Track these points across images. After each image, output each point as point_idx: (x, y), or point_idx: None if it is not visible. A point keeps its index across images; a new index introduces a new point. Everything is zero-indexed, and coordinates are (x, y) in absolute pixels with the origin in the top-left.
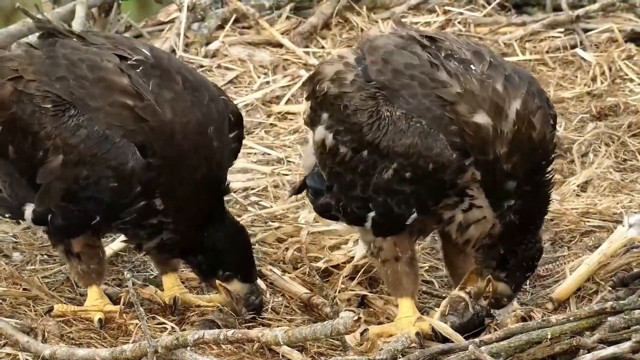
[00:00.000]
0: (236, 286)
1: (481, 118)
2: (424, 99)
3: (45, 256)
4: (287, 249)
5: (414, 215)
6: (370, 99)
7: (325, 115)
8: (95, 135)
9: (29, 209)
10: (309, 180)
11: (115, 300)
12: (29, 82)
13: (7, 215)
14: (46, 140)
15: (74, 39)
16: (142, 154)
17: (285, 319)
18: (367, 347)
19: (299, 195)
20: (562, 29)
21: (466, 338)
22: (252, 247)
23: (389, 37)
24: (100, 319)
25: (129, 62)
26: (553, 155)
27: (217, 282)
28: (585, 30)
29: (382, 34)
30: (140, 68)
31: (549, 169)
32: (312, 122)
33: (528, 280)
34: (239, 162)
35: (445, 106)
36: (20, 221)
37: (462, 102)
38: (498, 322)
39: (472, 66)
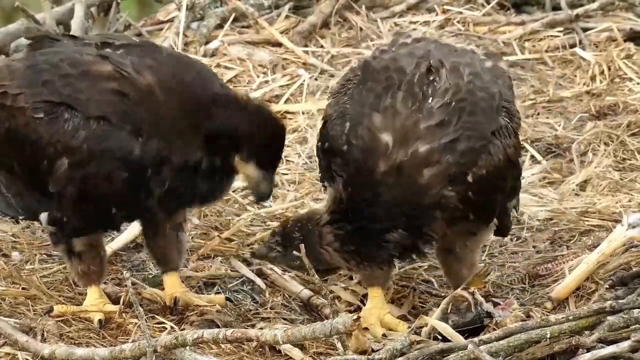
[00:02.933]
0: (251, 169)
1: (385, 137)
2: (372, 97)
3: (44, 255)
4: None
5: None
6: (347, 80)
7: None
8: (94, 131)
9: (44, 215)
10: None
11: (114, 300)
12: (16, 96)
13: (22, 218)
14: (48, 147)
15: (64, 40)
16: (138, 134)
17: (285, 318)
18: (356, 338)
19: (298, 195)
20: (561, 28)
21: (465, 337)
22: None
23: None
24: (100, 320)
25: (109, 47)
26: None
27: (237, 160)
28: (585, 30)
29: None
30: (122, 49)
31: None
32: None
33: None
34: None
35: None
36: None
37: (383, 116)
38: (497, 321)
39: (430, 99)
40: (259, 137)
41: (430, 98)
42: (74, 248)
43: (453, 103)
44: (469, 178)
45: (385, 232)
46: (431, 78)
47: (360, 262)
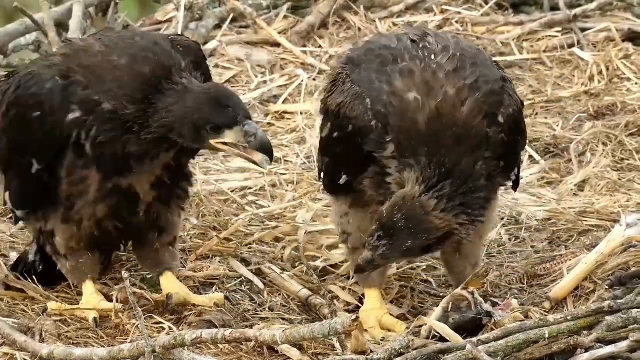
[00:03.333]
0: (229, 136)
1: (412, 95)
2: (374, 73)
3: None
4: (284, 247)
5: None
6: (338, 74)
7: None
8: (23, 79)
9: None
10: None
11: (112, 301)
12: None
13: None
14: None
15: None
16: (64, 78)
17: (283, 318)
18: (356, 338)
19: (297, 195)
20: (559, 28)
21: (463, 338)
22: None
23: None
24: (95, 318)
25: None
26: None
27: (211, 142)
28: (583, 30)
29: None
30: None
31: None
32: None
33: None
34: (237, 162)
35: (388, 80)
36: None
37: (401, 78)
38: (496, 321)
39: (433, 56)
40: (211, 112)
41: (433, 55)
42: (58, 250)
43: (457, 54)
44: (500, 119)
45: (475, 163)
46: (421, 45)
47: (471, 212)
